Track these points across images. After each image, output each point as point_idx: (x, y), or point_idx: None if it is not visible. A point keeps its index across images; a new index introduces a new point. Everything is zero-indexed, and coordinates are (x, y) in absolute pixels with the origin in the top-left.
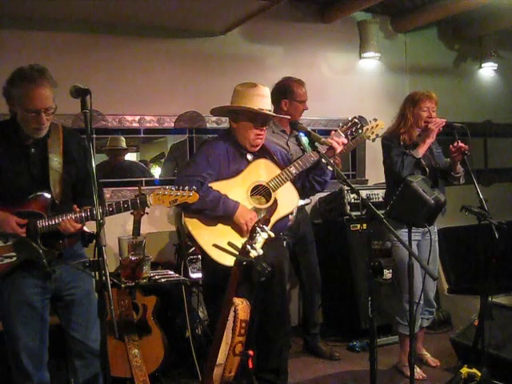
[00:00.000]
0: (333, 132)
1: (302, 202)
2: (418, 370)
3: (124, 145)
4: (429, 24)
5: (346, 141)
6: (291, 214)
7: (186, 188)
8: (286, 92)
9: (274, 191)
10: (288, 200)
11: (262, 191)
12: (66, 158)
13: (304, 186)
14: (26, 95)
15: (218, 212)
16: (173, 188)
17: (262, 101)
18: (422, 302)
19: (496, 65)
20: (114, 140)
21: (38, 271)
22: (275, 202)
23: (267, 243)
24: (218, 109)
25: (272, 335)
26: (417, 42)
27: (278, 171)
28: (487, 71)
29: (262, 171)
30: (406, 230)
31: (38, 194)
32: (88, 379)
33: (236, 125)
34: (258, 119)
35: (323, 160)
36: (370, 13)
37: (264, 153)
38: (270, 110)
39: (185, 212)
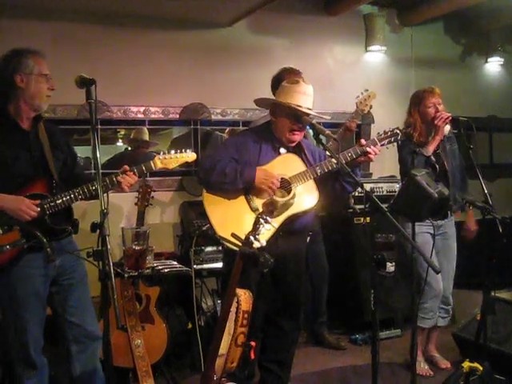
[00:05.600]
0: (362, 141)
1: None
2: (426, 366)
3: (147, 138)
4: (435, 18)
5: (380, 149)
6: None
7: (183, 150)
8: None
9: (295, 186)
10: (307, 197)
11: (284, 184)
12: (52, 144)
13: (334, 188)
14: (38, 62)
15: (238, 184)
16: (172, 151)
17: (302, 98)
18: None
19: (502, 59)
20: (137, 132)
21: (43, 259)
22: (293, 196)
23: (289, 236)
24: (260, 100)
25: (283, 328)
26: (423, 35)
27: (303, 168)
28: (493, 66)
29: (288, 165)
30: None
31: (41, 176)
32: (86, 369)
33: (275, 119)
34: (296, 116)
35: (327, 152)
36: (376, 6)
37: (299, 150)
38: (310, 109)
39: (206, 188)
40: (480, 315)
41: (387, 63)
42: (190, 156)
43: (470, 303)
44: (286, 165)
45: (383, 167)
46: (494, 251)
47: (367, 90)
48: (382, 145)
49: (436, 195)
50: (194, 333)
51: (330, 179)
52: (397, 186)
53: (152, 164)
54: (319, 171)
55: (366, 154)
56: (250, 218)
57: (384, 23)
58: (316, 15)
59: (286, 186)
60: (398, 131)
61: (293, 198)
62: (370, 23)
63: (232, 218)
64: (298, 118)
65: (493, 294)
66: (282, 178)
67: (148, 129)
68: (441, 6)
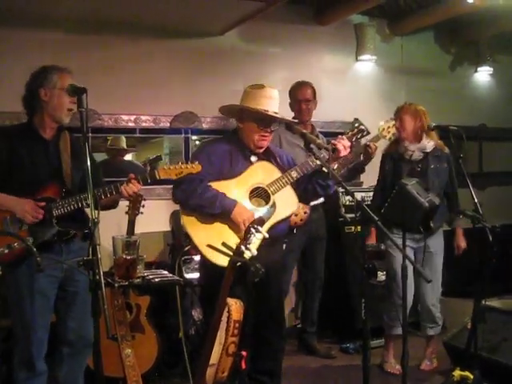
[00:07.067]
0: (339, 136)
1: (316, 202)
2: (397, 366)
3: (124, 145)
4: (425, 27)
5: (349, 144)
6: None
7: (189, 162)
8: (289, 94)
9: (273, 194)
10: (287, 204)
11: (261, 193)
12: (73, 154)
13: (307, 189)
14: (62, 77)
15: (216, 210)
16: (178, 162)
17: (269, 102)
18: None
19: (491, 69)
20: (115, 140)
21: (52, 258)
22: (273, 205)
23: (266, 245)
24: (225, 107)
25: (268, 338)
26: (413, 45)
27: (279, 175)
28: (483, 75)
29: (263, 174)
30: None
31: (53, 181)
32: (72, 372)
33: (242, 125)
34: (263, 121)
35: (318, 162)
36: (366, 16)
37: (269, 155)
38: (276, 113)
39: (183, 210)
40: (471, 323)
41: (378, 72)
42: (194, 167)
43: (461, 312)
44: (260, 173)
45: (374, 176)
46: (485, 260)
47: (393, 119)
48: (351, 142)
49: (427, 204)
50: (184, 342)
51: (303, 182)
52: None
53: (156, 173)
54: (295, 175)
55: (334, 150)
56: (233, 230)
57: (374, 33)
58: (307, 25)
59: (263, 194)
60: (363, 127)
61: (273, 206)
62: (360, 33)
63: (215, 234)
64: (265, 122)
65: (483, 302)
66: (259, 187)
67: (139, 137)
68: (430, 15)
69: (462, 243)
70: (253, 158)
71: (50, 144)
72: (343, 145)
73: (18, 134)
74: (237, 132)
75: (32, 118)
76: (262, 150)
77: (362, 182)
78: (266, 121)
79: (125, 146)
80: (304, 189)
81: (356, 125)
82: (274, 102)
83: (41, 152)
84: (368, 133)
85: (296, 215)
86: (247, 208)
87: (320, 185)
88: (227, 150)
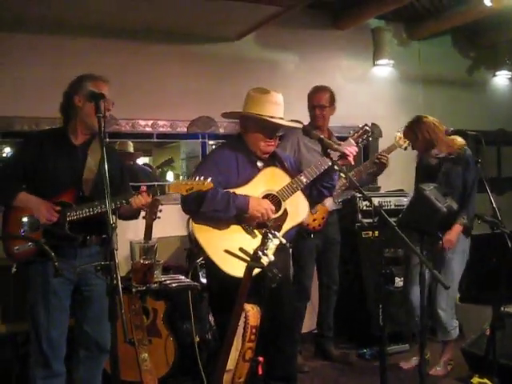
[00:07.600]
0: (344, 142)
1: (333, 207)
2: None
3: (131, 149)
4: (443, 32)
5: (356, 149)
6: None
7: (202, 177)
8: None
9: (284, 201)
10: (298, 210)
11: (272, 200)
12: (101, 164)
13: (312, 193)
14: (96, 84)
15: (231, 211)
16: (190, 177)
17: (275, 108)
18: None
19: (510, 73)
20: (122, 144)
21: (65, 261)
22: (285, 211)
23: (279, 252)
24: (229, 113)
25: (280, 344)
26: (431, 49)
27: (288, 180)
28: (501, 79)
29: (272, 180)
30: None
31: (72, 187)
32: (88, 373)
33: (246, 131)
34: (269, 127)
35: (335, 167)
36: (383, 20)
37: (275, 160)
38: (282, 118)
39: (194, 219)
40: (489, 330)
41: (395, 77)
42: (205, 185)
43: (479, 318)
44: (270, 179)
45: (391, 181)
46: (503, 266)
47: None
48: (356, 143)
49: (445, 209)
50: (201, 347)
51: (308, 186)
52: (405, 200)
53: (166, 187)
54: (305, 180)
55: (344, 156)
56: (246, 238)
57: (392, 37)
58: (324, 29)
59: (275, 201)
60: (367, 128)
61: (285, 212)
62: (377, 37)
63: (228, 241)
64: (270, 129)
65: (502, 308)
66: (269, 194)
67: (156, 142)
68: (448, 19)
69: (452, 238)
70: (259, 164)
71: (78, 150)
72: (350, 151)
73: (47, 139)
74: (241, 136)
75: (67, 125)
76: (268, 155)
77: (380, 187)
78: (271, 128)
79: (131, 150)
80: (309, 193)
81: (360, 126)
82: (280, 108)
83: (66, 157)
84: (372, 133)
85: (314, 220)
86: (260, 198)
87: (325, 186)
88: (233, 157)
